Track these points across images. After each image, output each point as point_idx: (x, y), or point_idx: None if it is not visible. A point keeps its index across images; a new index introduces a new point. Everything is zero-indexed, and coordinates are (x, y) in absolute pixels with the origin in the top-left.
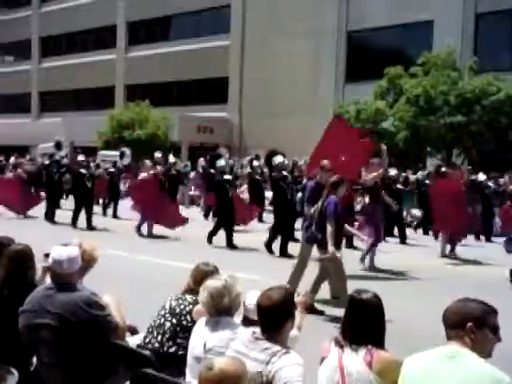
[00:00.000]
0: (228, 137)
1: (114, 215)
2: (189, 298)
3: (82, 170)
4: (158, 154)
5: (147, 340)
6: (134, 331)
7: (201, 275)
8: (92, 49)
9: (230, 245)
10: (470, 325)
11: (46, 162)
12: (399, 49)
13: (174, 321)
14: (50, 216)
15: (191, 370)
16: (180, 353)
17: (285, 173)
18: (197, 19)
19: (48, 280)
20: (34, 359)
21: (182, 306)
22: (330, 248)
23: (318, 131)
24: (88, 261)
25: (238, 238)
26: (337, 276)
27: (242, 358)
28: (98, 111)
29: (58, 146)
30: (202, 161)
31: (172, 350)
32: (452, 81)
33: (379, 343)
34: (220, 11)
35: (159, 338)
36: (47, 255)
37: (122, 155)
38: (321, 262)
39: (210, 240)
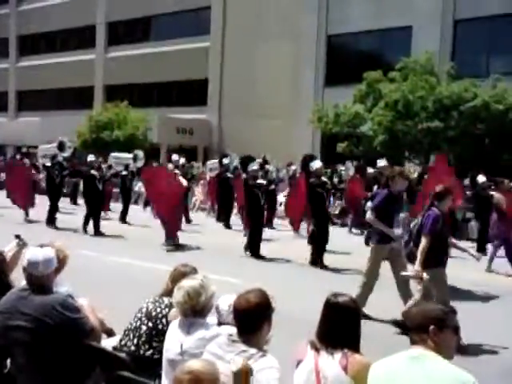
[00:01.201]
0: (207, 139)
1: (123, 220)
2: (166, 300)
3: (93, 172)
4: (175, 157)
5: (123, 342)
6: (110, 333)
7: (179, 276)
8: (71, 48)
9: (256, 254)
10: (433, 328)
11: (48, 164)
12: (378, 53)
13: (150, 324)
14: (51, 220)
15: (166, 373)
16: (156, 356)
17: (324, 179)
18: (177, 20)
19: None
20: (8, 361)
21: (159, 310)
22: (416, 266)
23: (298, 133)
24: (61, 261)
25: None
26: (438, 291)
27: (218, 360)
28: (76, 111)
29: (61, 146)
30: (212, 163)
31: (148, 353)
32: (430, 86)
33: (355, 347)
34: (200, 13)
35: (135, 340)
36: (18, 236)
37: (135, 158)
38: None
39: (255, 253)
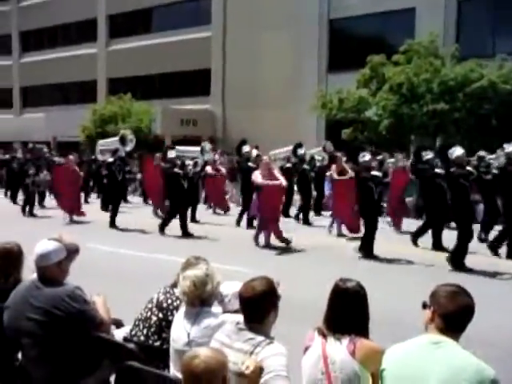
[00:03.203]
0: (211, 129)
1: (193, 219)
2: (177, 292)
3: (177, 170)
4: (246, 148)
5: (133, 333)
6: (119, 324)
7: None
8: (73, 43)
9: (370, 254)
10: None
11: (110, 160)
12: (382, 37)
13: (161, 315)
14: (112, 222)
15: (174, 363)
16: (165, 347)
17: (375, 172)
18: (178, 11)
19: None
20: (20, 355)
21: (170, 301)
22: None
23: (303, 121)
24: (71, 253)
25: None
26: None
27: (225, 348)
28: (80, 105)
29: (123, 140)
30: (286, 151)
31: (157, 343)
32: (434, 68)
33: (363, 332)
34: (201, 2)
35: (145, 331)
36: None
37: (202, 150)
38: None
39: (368, 253)
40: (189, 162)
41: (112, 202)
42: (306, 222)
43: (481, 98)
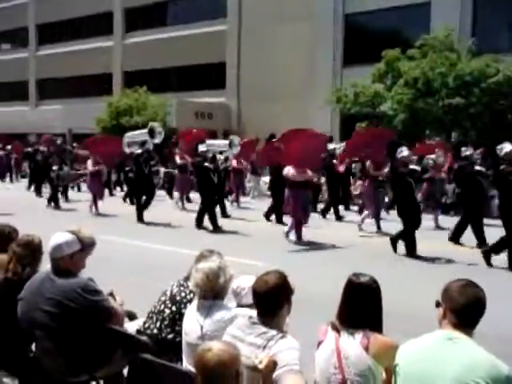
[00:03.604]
0: (226, 122)
1: (224, 213)
2: (191, 285)
3: (207, 165)
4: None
5: (146, 325)
6: (132, 316)
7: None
8: (89, 36)
9: (413, 253)
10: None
11: (139, 151)
12: (397, 31)
13: (174, 308)
14: (140, 217)
15: (187, 356)
16: (178, 340)
17: (412, 166)
18: (194, 4)
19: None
20: (33, 346)
21: (183, 294)
22: None
23: (317, 115)
24: (86, 246)
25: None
26: None
27: (238, 342)
28: (96, 98)
29: (152, 132)
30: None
31: (170, 336)
32: (450, 63)
33: (377, 327)
34: None
35: (158, 324)
36: (111, 294)
37: (230, 144)
38: None
39: (411, 253)
40: (219, 156)
41: (137, 195)
42: (338, 217)
43: (497, 93)
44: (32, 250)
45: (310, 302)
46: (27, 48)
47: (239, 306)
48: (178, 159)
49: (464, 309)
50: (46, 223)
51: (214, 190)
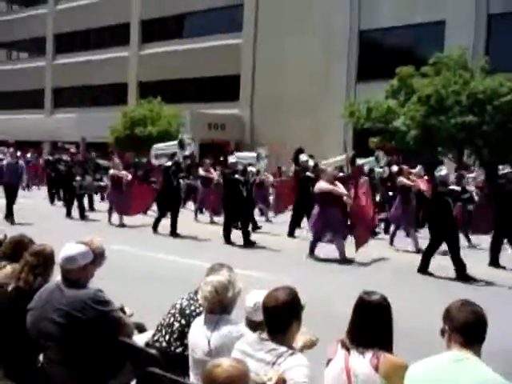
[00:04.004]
0: (239, 134)
1: (255, 226)
2: (200, 299)
3: (237, 177)
4: (304, 157)
5: (155, 338)
6: (141, 329)
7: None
8: (106, 46)
9: (464, 275)
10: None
11: (168, 164)
12: (411, 49)
13: (183, 321)
14: (173, 232)
15: (194, 372)
16: (186, 353)
17: (453, 186)
18: (210, 17)
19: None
20: (41, 356)
21: (193, 308)
22: None
23: (329, 129)
24: (98, 257)
25: None
26: None
27: (247, 358)
28: (111, 107)
29: (182, 144)
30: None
31: (179, 350)
32: (464, 81)
33: (387, 346)
34: (233, 10)
35: (167, 337)
36: (122, 309)
37: (258, 157)
38: None
39: (462, 275)
40: (251, 169)
41: (168, 208)
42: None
43: (509, 111)
44: (44, 260)
45: (321, 318)
46: (44, 57)
47: (253, 321)
48: (201, 171)
49: (467, 325)
50: (65, 232)
51: (242, 203)
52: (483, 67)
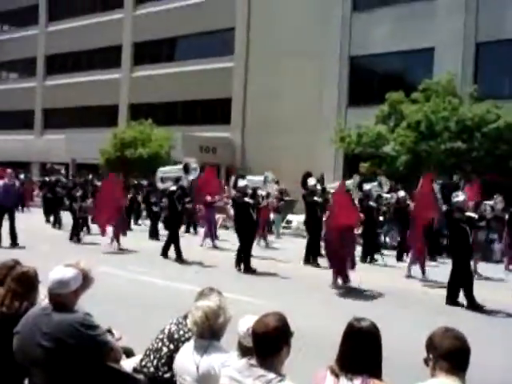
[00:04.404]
0: (230, 157)
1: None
2: (189, 323)
3: (247, 200)
4: (312, 181)
5: (143, 363)
6: (129, 354)
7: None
8: (97, 68)
9: (473, 304)
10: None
11: (173, 188)
12: (401, 75)
13: (172, 346)
14: (178, 256)
15: None
16: (175, 379)
17: (469, 213)
18: (202, 40)
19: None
20: (27, 382)
21: (182, 332)
22: None
23: (321, 153)
24: (86, 281)
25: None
26: None
27: None
28: (101, 129)
29: (186, 168)
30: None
31: (167, 375)
32: (453, 107)
33: (376, 373)
34: (224, 34)
35: (155, 362)
36: (109, 331)
37: (265, 180)
38: None
39: (472, 304)
40: (260, 192)
41: (171, 233)
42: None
43: (497, 138)
44: (27, 284)
45: (310, 344)
46: (35, 78)
47: (245, 346)
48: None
49: (452, 352)
50: (63, 255)
51: (253, 226)
52: (471, 94)
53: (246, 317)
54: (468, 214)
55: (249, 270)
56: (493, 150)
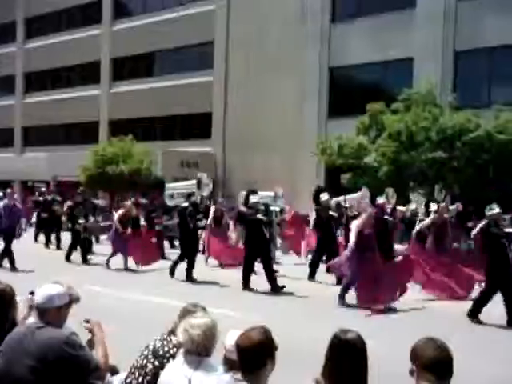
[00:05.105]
0: (211, 171)
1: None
2: (174, 340)
3: (260, 217)
4: (325, 196)
5: (128, 380)
6: (113, 371)
7: (188, 315)
8: (76, 84)
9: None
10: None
11: (185, 205)
12: (381, 85)
13: (157, 363)
14: (188, 274)
15: None
16: None
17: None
18: (180, 55)
19: (32, 318)
20: None
21: (166, 349)
22: None
23: (303, 166)
24: (73, 299)
25: None
26: None
27: None
28: (82, 146)
29: (199, 184)
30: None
31: None
32: (433, 117)
33: None
34: (203, 47)
35: (140, 379)
36: (32, 293)
37: (275, 196)
38: None
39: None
40: (274, 208)
41: (184, 253)
42: None
43: (478, 147)
44: (3, 301)
45: (295, 357)
46: (13, 95)
47: (231, 360)
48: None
49: (436, 362)
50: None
51: (265, 244)
52: (451, 103)
53: (232, 331)
54: (507, 229)
55: (246, 286)
56: (473, 159)
